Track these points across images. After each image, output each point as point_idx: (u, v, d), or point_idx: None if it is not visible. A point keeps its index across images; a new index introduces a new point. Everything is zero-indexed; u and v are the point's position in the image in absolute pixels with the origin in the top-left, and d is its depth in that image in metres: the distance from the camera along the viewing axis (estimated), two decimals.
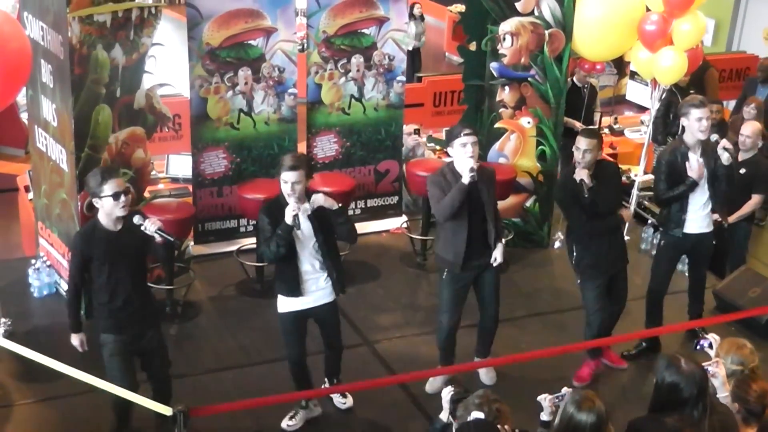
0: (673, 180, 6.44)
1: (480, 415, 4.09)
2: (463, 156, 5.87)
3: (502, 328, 6.98)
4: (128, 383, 5.41)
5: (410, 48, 10.19)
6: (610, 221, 6.30)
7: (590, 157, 6.12)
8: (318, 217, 5.56)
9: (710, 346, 4.92)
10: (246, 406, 5.74)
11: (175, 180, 8.88)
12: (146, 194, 7.31)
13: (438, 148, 9.27)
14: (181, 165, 8.76)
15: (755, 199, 7.75)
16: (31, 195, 7.77)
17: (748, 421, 4.38)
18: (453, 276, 6.13)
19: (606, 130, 10.85)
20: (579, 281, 6.44)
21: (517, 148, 8.24)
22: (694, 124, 6.28)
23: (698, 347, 4.99)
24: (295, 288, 5.65)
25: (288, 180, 5.45)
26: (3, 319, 6.76)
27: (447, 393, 4.48)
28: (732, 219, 7.79)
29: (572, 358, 6.74)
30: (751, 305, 7.07)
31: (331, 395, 6.19)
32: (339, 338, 5.96)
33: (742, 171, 7.64)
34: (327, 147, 8.24)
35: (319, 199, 5.54)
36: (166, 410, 4.81)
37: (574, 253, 6.37)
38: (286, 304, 5.71)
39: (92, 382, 5.13)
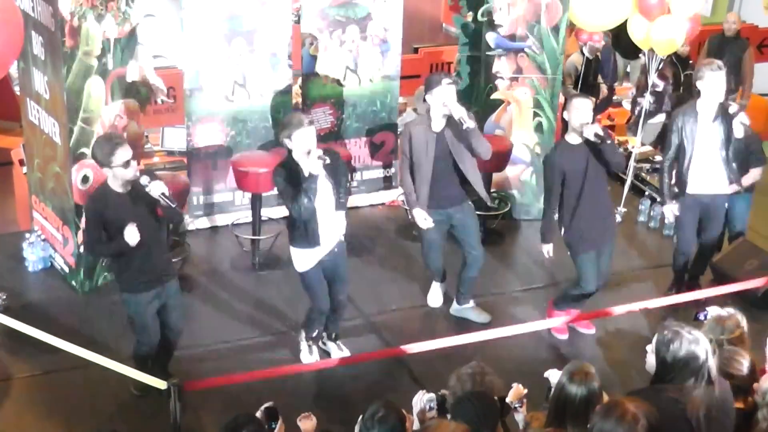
0: (676, 144, 6.65)
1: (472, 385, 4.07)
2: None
3: (498, 300, 6.99)
4: (154, 337, 5.62)
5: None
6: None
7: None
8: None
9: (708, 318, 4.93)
10: (241, 380, 5.73)
11: (170, 153, 8.83)
12: (140, 167, 7.26)
13: None
14: (176, 138, 8.71)
15: (753, 172, 7.72)
16: (25, 169, 7.72)
17: (735, 394, 4.37)
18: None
19: None
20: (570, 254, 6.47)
21: (514, 119, 8.18)
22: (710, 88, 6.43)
23: (697, 319, 4.99)
24: (314, 239, 5.80)
25: (307, 136, 5.62)
26: None
27: (425, 400, 4.28)
28: (730, 189, 7.76)
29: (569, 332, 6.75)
30: (747, 277, 7.05)
31: (330, 350, 6.34)
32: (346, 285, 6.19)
33: None
34: (322, 119, 8.18)
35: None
36: (161, 384, 4.82)
37: (563, 228, 6.40)
38: (306, 258, 5.86)
39: (87, 356, 5.14)
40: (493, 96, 8.15)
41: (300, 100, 8.20)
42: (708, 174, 6.70)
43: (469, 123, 6.14)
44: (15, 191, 8.40)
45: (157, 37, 7.04)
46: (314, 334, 6.30)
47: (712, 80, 6.40)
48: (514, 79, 8.08)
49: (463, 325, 6.78)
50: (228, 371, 6.04)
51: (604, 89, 10.05)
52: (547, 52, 7.95)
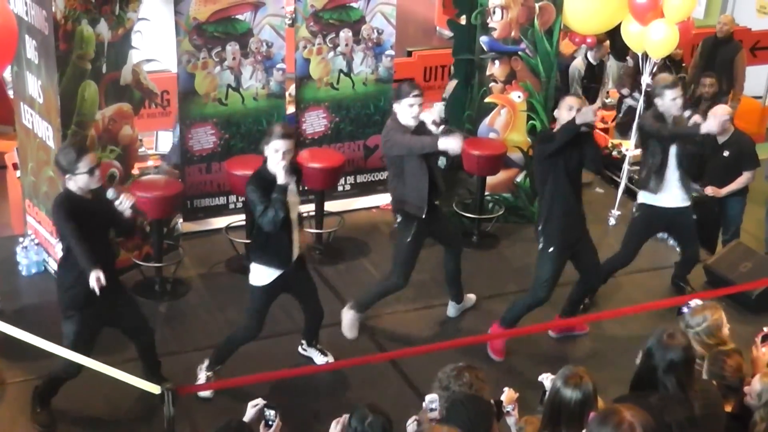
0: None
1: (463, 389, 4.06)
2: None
3: (493, 303, 6.98)
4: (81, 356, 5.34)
5: None
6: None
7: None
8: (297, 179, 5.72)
9: None
10: (235, 384, 5.72)
11: (164, 156, 8.80)
12: (135, 171, 7.26)
13: None
14: (170, 141, 8.68)
15: (745, 176, 7.76)
16: (19, 173, 7.71)
17: (726, 396, 4.38)
18: None
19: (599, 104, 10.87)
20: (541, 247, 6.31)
21: (508, 122, 8.19)
22: (669, 103, 6.52)
23: (681, 313, 5.02)
24: (287, 258, 5.72)
25: (280, 149, 5.51)
26: None
27: (427, 401, 4.18)
28: (723, 192, 7.80)
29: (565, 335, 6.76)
30: (741, 280, 7.07)
31: (312, 355, 6.30)
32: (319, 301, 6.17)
33: (726, 153, 7.66)
34: (316, 122, 8.18)
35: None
36: (155, 388, 4.80)
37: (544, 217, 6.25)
38: (268, 273, 5.76)
39: (81, 361, 5.12)
40: (487, 99, 8.15)
41: (294, 103, 8.21)
42: (672, 188, 6.70)
43: (442, 123, 6.17)
44: (9, 195, 8.39)
45: (150, 40, 7.02)
46: (221, 365, 5.98)
47: (670, 97, 6.50)
48: (508, 82, 8.09)
49: (457, 328, 6.78)
50: (222, 375, 6.04)
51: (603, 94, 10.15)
52: (541, 55, 7.96)
